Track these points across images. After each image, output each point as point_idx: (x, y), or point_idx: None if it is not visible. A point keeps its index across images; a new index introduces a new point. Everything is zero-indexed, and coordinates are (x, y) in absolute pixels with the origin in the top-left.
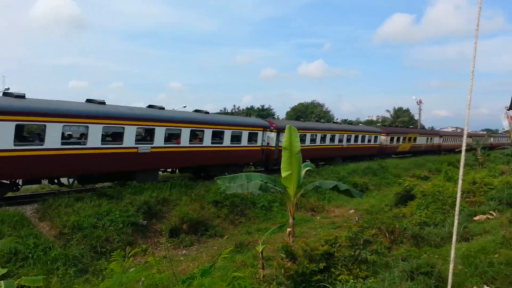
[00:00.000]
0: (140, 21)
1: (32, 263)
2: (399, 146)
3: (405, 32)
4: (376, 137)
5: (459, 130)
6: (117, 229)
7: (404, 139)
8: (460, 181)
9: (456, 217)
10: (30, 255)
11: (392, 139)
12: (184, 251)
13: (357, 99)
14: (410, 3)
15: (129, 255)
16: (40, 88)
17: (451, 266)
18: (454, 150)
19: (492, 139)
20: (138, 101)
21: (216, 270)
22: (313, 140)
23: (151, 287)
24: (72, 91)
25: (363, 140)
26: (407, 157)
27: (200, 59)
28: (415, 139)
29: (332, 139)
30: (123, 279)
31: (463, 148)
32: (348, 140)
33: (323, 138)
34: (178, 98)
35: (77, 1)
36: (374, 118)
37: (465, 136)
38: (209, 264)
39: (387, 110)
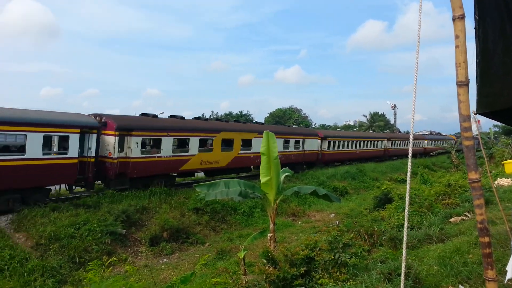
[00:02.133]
0: (113, 27)
1: (8, 275)
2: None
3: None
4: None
5: (433, 133)
6: (95, 238)
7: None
8: (408, 186)
9: (406, 218)
10: (6, 267)
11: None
12: (165, 260)
13: (334, 105)
14: (381, 11)
15: (106, 264)
16: (9, 96)
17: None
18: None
19: (426, 142)
20: (113, 108)
21: (198, 278)
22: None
23: None
24: (44, 99)
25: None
26: (384, 161)
27: (176, 65)
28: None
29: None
30: None
31: (410, 153)
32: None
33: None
34: (155, 105)
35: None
36: (352, 123)
37: (411, 141)
38: (190, 271)
39: (364, 115)
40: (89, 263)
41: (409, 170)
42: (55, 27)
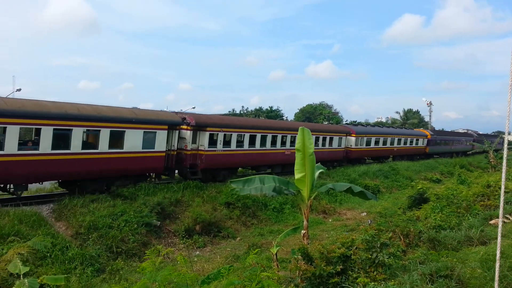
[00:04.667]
0: (148, 22)
1: (50, 262)
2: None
3: (414, 33)
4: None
5: (469, 132)
6: (132, 229)
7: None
8: (503, 176)
9: None
10: (48, 254)
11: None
12: (197, 252)
13: (366, 100)
14: (419, 5)
15: (163, 254)
16: (49, 89)
17: None
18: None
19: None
20: (147, 102)
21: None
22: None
23: (182, 286)
24: (81, 92)
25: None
26: (417, 160)
27: (208, 60)
28: None
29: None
30: (157, 278)
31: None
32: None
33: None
34: (187, 99)
35: (90, 2)
36: (384, 120)
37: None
38: (228, 265)
39: (397, 112)
40: (146, 252)
41: (504, 160)
42: (95, 22)
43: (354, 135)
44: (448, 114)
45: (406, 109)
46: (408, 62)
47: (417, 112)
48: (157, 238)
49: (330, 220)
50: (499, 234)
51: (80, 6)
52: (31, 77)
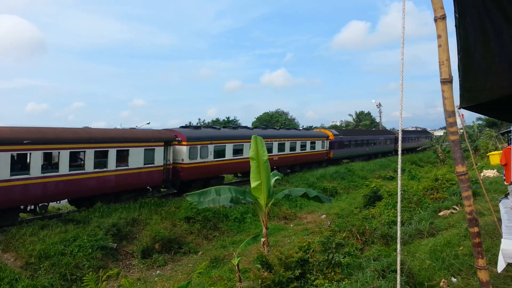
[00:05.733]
0: (97, 39)
1: None
2: None
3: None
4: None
5: (418, 129)
6: (86, 254)
7: None
8: (399, 182)
9: None
10: None
11: None
12: (158, 271)
13: (320, 106)
14: (364, 12)
15: (102, 279)
16: None
17: None
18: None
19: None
20: (100, 121)
21: (194, 287)
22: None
23: None
24: (30, 114)
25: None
26: (372, 159)
27: (162, 75)
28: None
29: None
30: None
31: (400, 150)
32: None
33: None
34: (142, 115)
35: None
36: (338, 123)
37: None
38: (185, 281)
39: (350, 115)
40: (84, 278)
41: (399, 166)
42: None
43: (185, 143)
44: (398, 114)
45: (358, 112)
46: (358, 67)
47: (369, 113)
48: (114, 261)
49: (291, 225)
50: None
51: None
52: None
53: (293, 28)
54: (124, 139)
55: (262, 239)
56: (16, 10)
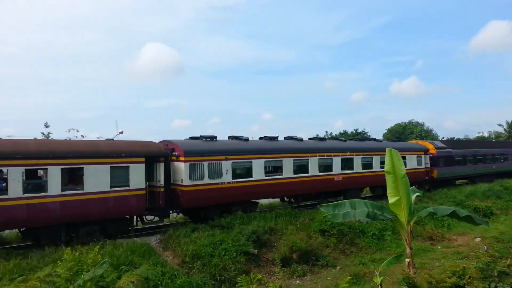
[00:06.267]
0: (224, 59)
1: None
2: None
3: (505, 40)
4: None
5: None
6: (231, 257)
7: None
8: None
9: None
10: (159, 282)
11: None
12: (297, 281)
13: (461, 115)
14: (502, 11)
15: (254, 281)
16: (147, 129)
17: None
18: None
19: None
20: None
21: None
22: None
23: None
24: (176, 129)
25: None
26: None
27: (286, 89)
28: None
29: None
30: None
31: None
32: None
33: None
34: (271, 128)
35: (174, 47)
36: (486, 134)
37: None
38: None
39: (500, 124)
40: (238, 278)
41: None
42: (180, 65)
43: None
44: None
45: (510, 121)
46: (504, 71)
47: None
48: (257, 266)
49: (439, 247)
50: None
51: (166, 52)
52: (129, 120)
53: (419, 33)
54: (75, 153)
55: (407, 260)
56: (160, 38)
